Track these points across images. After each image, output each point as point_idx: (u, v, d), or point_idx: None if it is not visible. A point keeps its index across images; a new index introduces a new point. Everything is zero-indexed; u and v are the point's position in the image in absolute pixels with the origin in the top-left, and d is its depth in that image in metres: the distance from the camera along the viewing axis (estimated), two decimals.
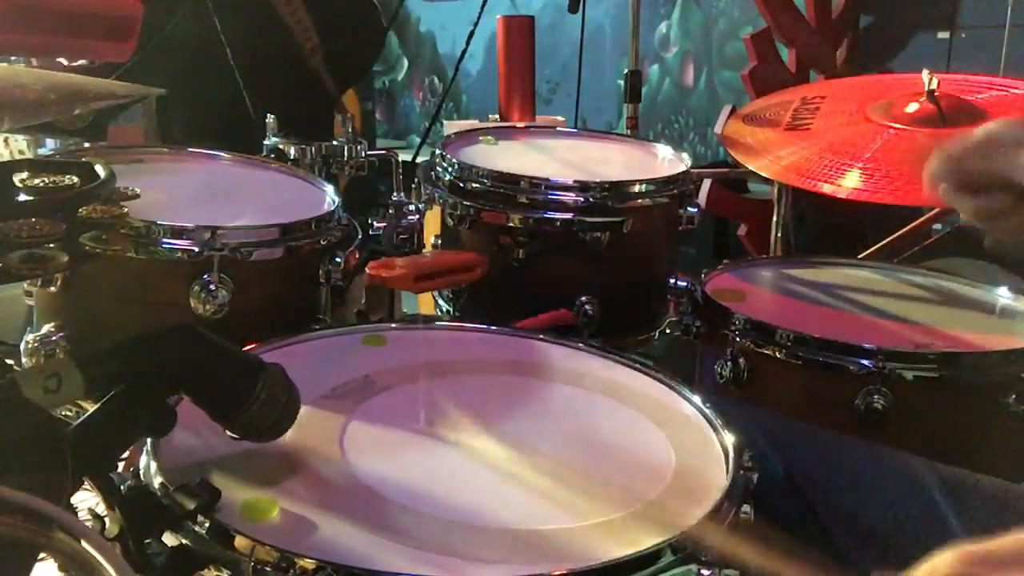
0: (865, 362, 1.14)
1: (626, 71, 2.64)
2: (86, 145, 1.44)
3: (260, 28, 2.22)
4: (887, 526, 0.90)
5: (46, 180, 0.76)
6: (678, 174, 1.47)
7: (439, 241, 1.52)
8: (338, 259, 1.20)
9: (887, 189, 1.35)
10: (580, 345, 1.11)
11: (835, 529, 0.90)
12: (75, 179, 0.77)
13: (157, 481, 0.75)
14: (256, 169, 1.45)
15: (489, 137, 1.67)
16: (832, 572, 0.81)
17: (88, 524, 0.70)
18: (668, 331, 1.51)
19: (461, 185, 1.41)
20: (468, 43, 2.35)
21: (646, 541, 0.71)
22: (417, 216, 1.48)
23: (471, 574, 0.70)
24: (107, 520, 0.70)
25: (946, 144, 0.94)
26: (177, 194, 1.31)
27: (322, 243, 1.20)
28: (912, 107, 1.48)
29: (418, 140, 2.58)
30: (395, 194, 1.50)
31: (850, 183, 1.37)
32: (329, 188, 1.35)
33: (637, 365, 1.05)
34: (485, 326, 1.15)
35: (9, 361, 0.70)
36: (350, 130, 1.51)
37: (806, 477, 0.95)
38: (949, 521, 0.89)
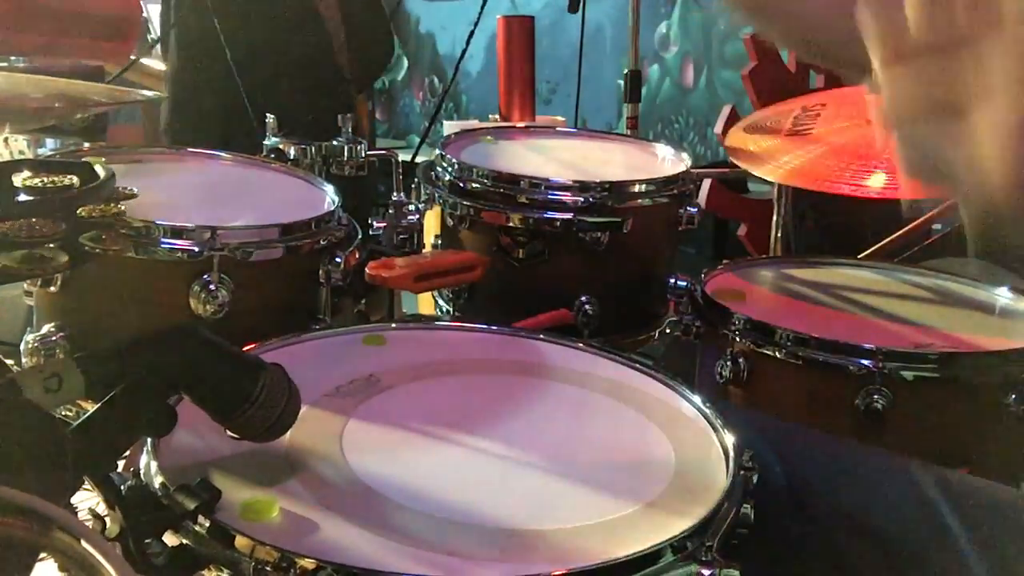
0: (865, 362, 1.14)
1: (626, 71, 2.64)
2: (86, 145, 1.44)
3: (297, 22, 2.23)
4: (888, 531, 0.90)
5: (46, 180, 0.76)
6: (678, 174, 1.47)
7: (439, 241, 1.52)
8: (338, 259, 1.20)
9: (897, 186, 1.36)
10: (580, 345, 1.11)
11: (836, 534, 0.90)
12: (75, 179, 0.77)
13: (157, 481, 0.75)
14: (256, 169, 1.45)
15: (489, 137, 1.67)
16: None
17: (88, 524, 0.70)
18: (668, 331, 1.50)
19: (461, 185, 1.41)
20: (468, 43, 2.35)
21: (646, 541, 0.71)
22: (417, 216, 1.48)
23: (471, 574, 0.70)
24: (107, 520, 0.70)
25: None
26: (177, 194, 1.31)
27: (322, 243, 1.20)
28: None
29: (418, 140, 2.58)
30: (395, 194, 1.50)
31: (876, 183, 1.38)
32: (329, 188, 1.35)
33: (637, 365, 1.05)
34: (485, 326, 1.15)
35: (9, 361, 0.70)
36: (349, 129, 1.51)
37: (807, 484, 0.94)
38: (950, 526, 0.88)
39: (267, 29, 2.16)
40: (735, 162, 1.58)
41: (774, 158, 1.50)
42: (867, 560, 0.87)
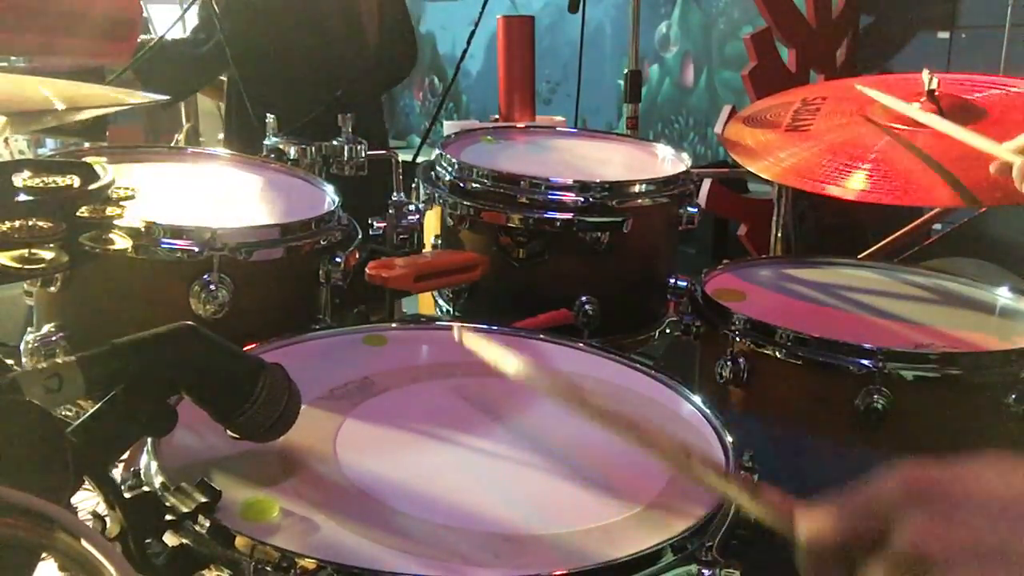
0: (865, 362, 1.14)
1: (626, 71, 2.64)
2: (86, 145, 1.44)
3: (338, 20, 2.26)
4: None
5: (46, 180, 0.76)
6: (678, 174, 1.47)
7: (439, 241, 1.52)
8: (338, 259, 1.20)
9: (887, 189, 1.35)
10: (580, 345, 1.11)
11: None
12: (75, 179, 0.77)
13: (158, 481, 0.75)
14: (256, 169, 1.45)
15: (489, 137, 1.67)
16: None
17: (89, 524, 0.70)
18: (668, 331, 1.51)
19: (461, 185, 1.41)
20: (468, 43, 2.35)
21: (646, 542, 0.71)
22: (417, 216, 1.48)
23: (471, 575, 0.70)
24: (108, 520, 0.70)
25: None
26: (177, 194, 1.31)
27: (322, 243, 1.20)
28: (912, 107, 1.48)
29: (418, 140, 2.58)
30: (395, 194, 1.50)
31: (854, 184, 1.37)
32: (329, 188, 1.35)
33: (637, 365, 1.05)
34: (485, 326, 1.15)
35: (9, 361, 0.70)
36: (349, 130, 1.51)
37: (810, 487, 0.94)
38: None
39: (303, 28, 2.20)
40: (731, 156, 1.58)
41: (771, 154, 1.50)
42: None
